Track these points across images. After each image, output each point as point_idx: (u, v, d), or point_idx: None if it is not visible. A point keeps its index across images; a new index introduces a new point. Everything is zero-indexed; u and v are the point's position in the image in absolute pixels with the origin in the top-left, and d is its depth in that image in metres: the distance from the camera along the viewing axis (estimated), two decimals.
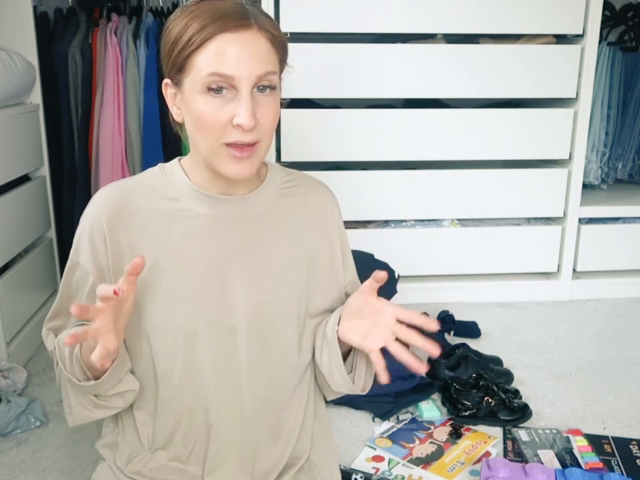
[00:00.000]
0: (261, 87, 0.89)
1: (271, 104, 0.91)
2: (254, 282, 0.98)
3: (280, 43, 0.92)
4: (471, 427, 1.63)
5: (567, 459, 1.49)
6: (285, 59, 0.95)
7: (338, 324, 0.98)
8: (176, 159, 1.01)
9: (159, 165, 1.01)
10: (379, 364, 0.90)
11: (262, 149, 0.91)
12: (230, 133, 0.87)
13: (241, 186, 0.98)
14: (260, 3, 2.23)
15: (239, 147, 0.88)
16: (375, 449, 1.54)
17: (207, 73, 0.85)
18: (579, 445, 1.54)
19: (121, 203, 0.95)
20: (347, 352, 1.03)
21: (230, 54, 0.85)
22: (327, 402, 1.16)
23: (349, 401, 1.72)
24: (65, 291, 0.99)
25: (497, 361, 1.97)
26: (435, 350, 0.88)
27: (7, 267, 1.96)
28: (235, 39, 0.85)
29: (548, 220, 2.59)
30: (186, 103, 0.90)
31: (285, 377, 1.03)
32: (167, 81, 0.93)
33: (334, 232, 1.08)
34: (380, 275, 0.93)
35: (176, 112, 0.94)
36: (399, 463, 1.48)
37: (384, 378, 0.89)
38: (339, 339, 0.97)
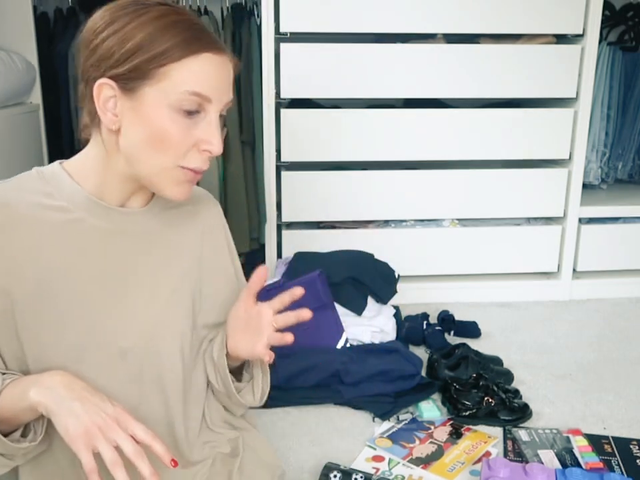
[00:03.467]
0: (221, 115, 0.86)
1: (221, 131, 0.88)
2: (149, 301, 0.93)
3: (236, 71, 0.89)
4: (470, 427, 1.63)
5: (567, 458, 1.49)
6: None
7: (226, 344, 0.97)
8: (56, 163, 0.91)
9: (34, 168, 0.90)
10: (270, 358, 0.91)
11: None
12: (193, 157, 0.84)
13: (140, 197, 0.93)
14: (260, 3, 2.23)
15: (194, 171, 0.85)
16: (375, 448, 1.54)
17: (187, 91, 0.80)
18: (579, 444, 1.54)
19: (2, 215, 0.83)
20: (241, 364, 1.03)
21: (214, 76, 0.82)
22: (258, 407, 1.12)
23: (349, 401, 1.72)
24: None
25: (497, 360, 1.97)
26: (306, 314, 0.89)
27: None
28: (218, 61, 0.83)
29: (548, 220, 2.59)
30: (143, 114, 0.81)
31: (177, 397, 0.98)
32: (106, 81, 0.81)
33: (223, 240, 1.06)
34: (258, 273, 0.91)
35: (111, 119, 0.83)
36: (399, 462, 1.48)
37: (270, 359, 0.91)
38: (229, 355, 0.97)
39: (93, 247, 0.88)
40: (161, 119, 0.81)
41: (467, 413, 1.66)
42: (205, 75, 0.81)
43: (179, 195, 0.87)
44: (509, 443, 1.56)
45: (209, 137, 0.83)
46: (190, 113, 0.82)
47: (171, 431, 0.98)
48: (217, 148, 0.83)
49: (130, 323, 0.91)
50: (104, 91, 0.82)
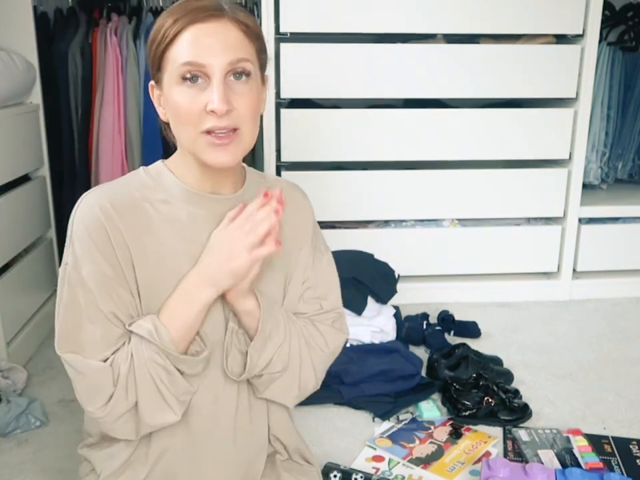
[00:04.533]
0: (237, 74, 0.89)
1: (248, 91, 0.91)
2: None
3: (254, 34, 0.92)
4: (470, 426, 1.63)
5: (567, 458, 1.49)
6: (262, 50, 0.95)
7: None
8: (159, 161, 1.01)
9: (141, 167, 1.01)
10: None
11: (244, 136, 0.92)
12: (205, 119, 0.89)
13: (228, 185, 1.00)
14: (260, 3, 2.23)
15: (217, 134, 0.89)
16: (375, 448, 1.54)
17: (180, 63, 0.87)
18: (579, 444, 1.54)
19: (113, 203, 0.93)
20: None
21: (201, 42, 0.87)
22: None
23: (349, 401, 1.72)
24: (74, 308, 0.92)
25: (497, 360, 1.97)
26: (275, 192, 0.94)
27: (7, 266, 1.96)
28: (206, 28, 0.88)
29: (548, 220, 2.59)
30: (166, 98, 0.92)
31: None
32: (151, 82, 0.95)
33: (309, 232, 1.11)
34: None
35: (162, 112, 0.96)
36: (399, 462, 1.48)
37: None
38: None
39: (193, 233, 0.96)
40: (173, 96, 0.90)
41: (467, 413, 1.66)
42: (192, 45, 0.87)
43: (215, 159, 0.91)
44: (509, 442, 1.56)
45: (208, 96, 0.88)
46: (191, 80, 0.88)
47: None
48: (216, 104, 0.86)
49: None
50: (154, 91, 0.96)
